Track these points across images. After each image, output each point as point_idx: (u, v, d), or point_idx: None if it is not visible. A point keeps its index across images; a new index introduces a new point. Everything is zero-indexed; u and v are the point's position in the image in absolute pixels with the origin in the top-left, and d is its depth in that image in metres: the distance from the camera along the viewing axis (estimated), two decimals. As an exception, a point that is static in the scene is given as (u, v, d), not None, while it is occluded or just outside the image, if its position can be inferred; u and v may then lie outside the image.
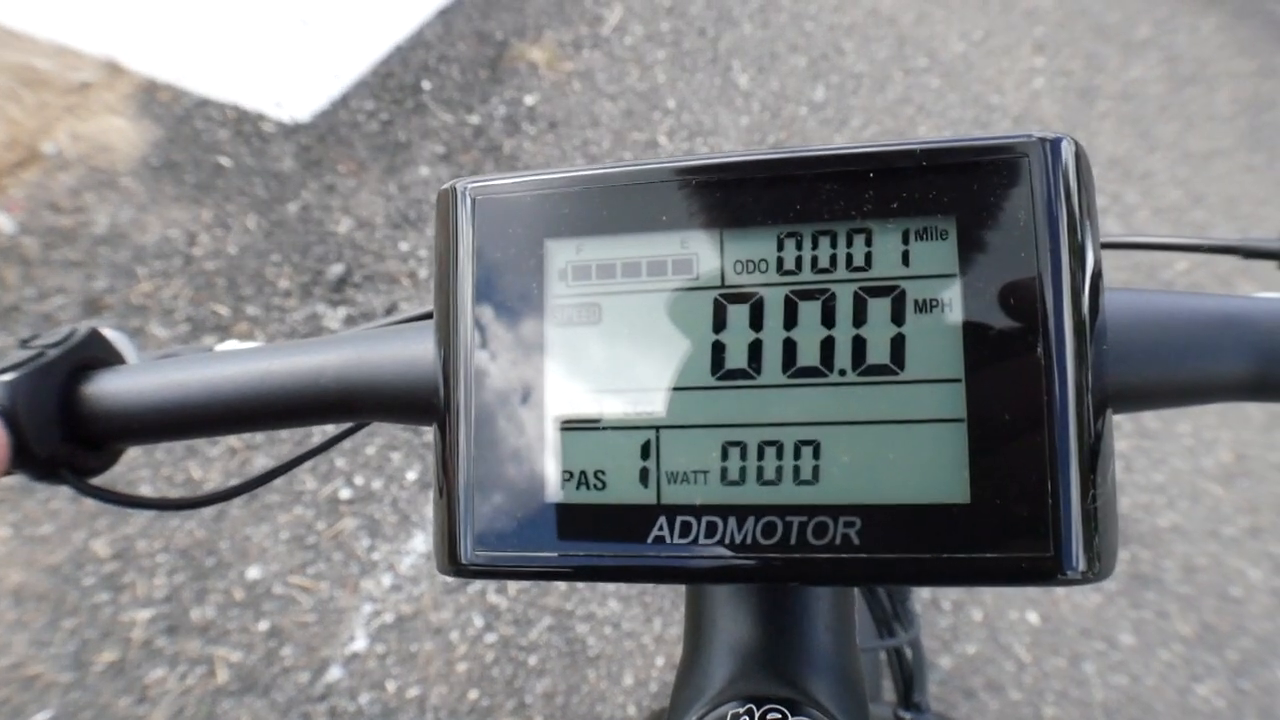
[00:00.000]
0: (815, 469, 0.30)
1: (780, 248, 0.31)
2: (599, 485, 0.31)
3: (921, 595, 1.92)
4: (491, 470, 0.32)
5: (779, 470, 0.30)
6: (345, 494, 1.97)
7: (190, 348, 0.54)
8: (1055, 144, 0.30)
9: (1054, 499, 0.29)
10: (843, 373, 0.30)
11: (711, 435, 0.30)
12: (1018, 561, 0.29)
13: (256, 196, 2.48)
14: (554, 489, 0.31)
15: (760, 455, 0.30)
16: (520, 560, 0.32)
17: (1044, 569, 0.29)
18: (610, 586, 1.90)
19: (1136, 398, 0.34)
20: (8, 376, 0.41)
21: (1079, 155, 0.30)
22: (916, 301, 0.30)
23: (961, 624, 1.91)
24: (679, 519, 0.30)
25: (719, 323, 0.31)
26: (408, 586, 1.88)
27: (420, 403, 0.38)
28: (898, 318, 0.30)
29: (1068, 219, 0.29)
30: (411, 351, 0.39)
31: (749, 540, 0.30)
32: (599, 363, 0.31)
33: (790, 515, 0.30)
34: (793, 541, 0.30)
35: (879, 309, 0.30)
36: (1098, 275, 0.30)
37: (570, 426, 0.31)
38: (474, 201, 0.32)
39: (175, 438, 0.45)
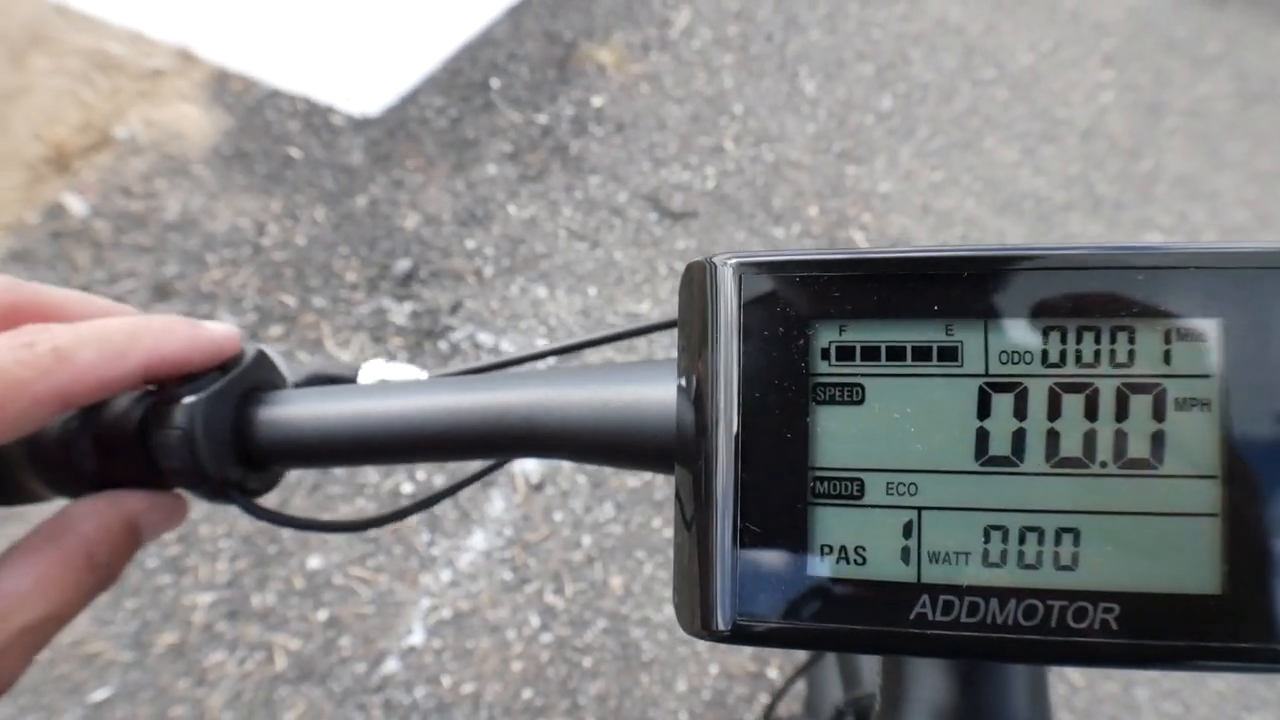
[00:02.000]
0: (1075, 555, 0.31)
1: (1045, 340, 0.31)
2: (859, 560, 0.32)
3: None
4: (750, 539, 0.32)
5: (1039, 555, 0.31)
6: (407, 488, 1.99)
7: (337, 364, 0.55)
8: None
9: None
10: (1103, 465, 0.31)
11: (973, 518, 0.31)
12: (1263, 652, 0.30)
13: (325, 189, 2.51)
14: (814, 561, 0.32)
15: (1021, 540, 0.31)
16: (777, 629, 0.32)
17: None
18: (668, 592, 1.91)
19: None
20: (190, 399, 0.42)
21: None
22: (1177, 399, 0.30)
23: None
24: (941, 598, 0.31)
25: (983, 410, 0.32)
26: (466, 583, 1.90)
27: (639, 449, 0.40)
28: (1158, 414, 0.31)
29: None
30: (627, 398, 0.40)
31: (1010, 621, 0.31)
32: (862, 441, 0.32)
33: (1050, 599, 0.31)
34: (1053, 624, 0.30)
35: (1140, 405, 0.31)
36: None
37: (832, 502, 0.32)
38: (740, 278, 0.33)
39: (343, 464, 0.45)
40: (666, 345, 2.18)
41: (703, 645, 1.85)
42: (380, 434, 0.43)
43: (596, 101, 2.82)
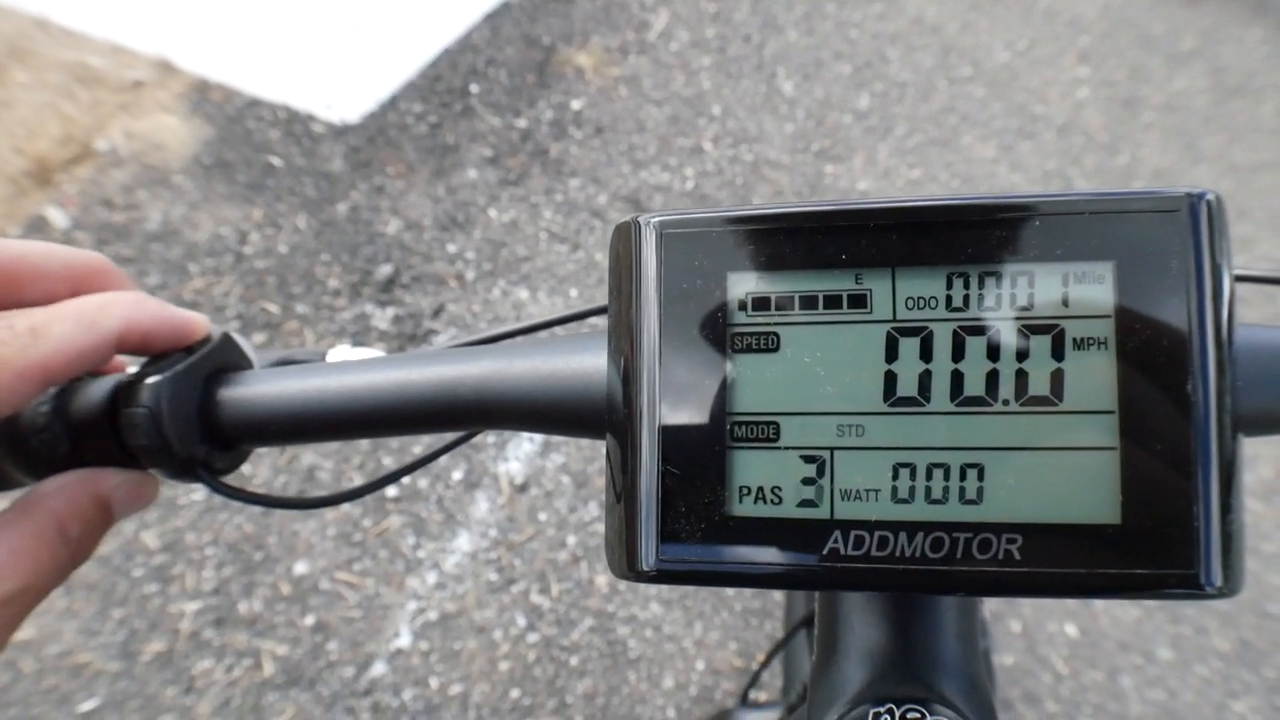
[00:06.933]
0: (980, 490, 0.32)
1: (949, 286, 0.33)
2: (775, 500, 0.33)
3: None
4: (673, 484, 0.34)
5: (946, 490, 0.33)
6: (392, 491, 2.00)
7: (304, 351, 0.56)
8: (1200, 197, 0.32)
9: (1197, 520, 0.31)
10: (1006, 403, 0.33)
11: (883, 457, 0.33)
12: (1163, 577, 0.31)
13: (307, 196, 2.51)
14: (733, 502, 0.34)
15: (929, 476, 0.33)
16: (698, 568, 0.34)
17: (1186, 584, 0.31)
18: (653, 590, 1.92)
19: (1263, 424, 0.37)
20: (154, 378, 0.43)
21: (1219, 206, 0.32)
22: (1075, 339, 0.32)
23: (1000, 635, 1.92)
24: (852, 533, 0.33)
25: (891, 354, 0.33)
26: (452, 585, 1.90)
27: (577, 415, 0.41)
28: (1057, 354, 0.32)
29: (1211, 264, 0.31)
30: (566, 366, 0.41)
31: (918, 554, 0.32)
32: (776, 387, 0.34)
33: (956, 532, 0.32)
34: (959, 555, 0.32)
35: (1040, 345, 0.33)
36: (1232, 312, 0.32)
37: (748, 445, 0.34)
38: (660, 235, 0.35)
39: (306, 441, 0.46)
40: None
41: (689, 642, 1.86)
42: (338, 409, 0.44)
43: (575, 105, 2.83)
